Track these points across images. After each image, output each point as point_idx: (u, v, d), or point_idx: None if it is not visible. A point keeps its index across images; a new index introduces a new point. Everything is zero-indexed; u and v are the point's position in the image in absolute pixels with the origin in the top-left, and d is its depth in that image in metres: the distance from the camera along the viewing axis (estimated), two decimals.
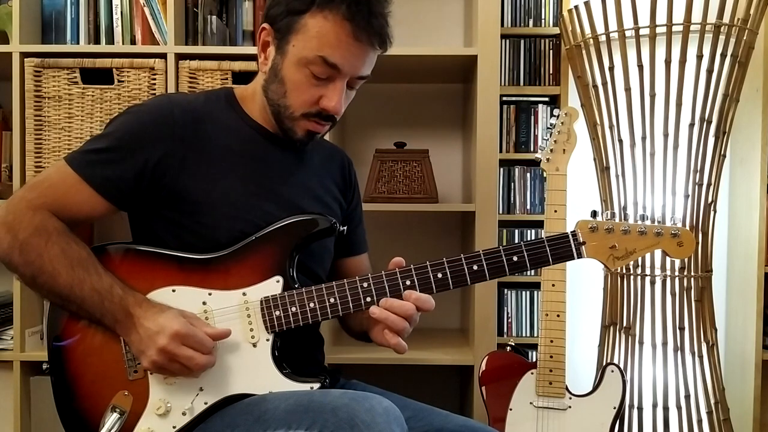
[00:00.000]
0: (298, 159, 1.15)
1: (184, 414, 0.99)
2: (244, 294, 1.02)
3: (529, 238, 1.98)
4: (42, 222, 0.99)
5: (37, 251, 0.97)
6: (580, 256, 1.03)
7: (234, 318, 1.01)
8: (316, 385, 1.01)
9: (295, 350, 1.07)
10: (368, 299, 1.02)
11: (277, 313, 1.01)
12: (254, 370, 1.01)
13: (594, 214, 1.05)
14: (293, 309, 1.02)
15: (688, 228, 1.66)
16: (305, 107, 1.05)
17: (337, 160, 1.27)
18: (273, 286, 1.03)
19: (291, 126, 1.07)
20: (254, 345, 1.01)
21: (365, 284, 1.02)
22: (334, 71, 1.02)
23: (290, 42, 1.03)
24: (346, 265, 1.28)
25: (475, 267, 1.02)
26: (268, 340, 1.02)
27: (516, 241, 1.98)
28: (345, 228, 1.18)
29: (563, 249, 1.03)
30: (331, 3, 1.00)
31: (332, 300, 1.02)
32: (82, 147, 1.05)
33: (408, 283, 1.01)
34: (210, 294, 1.02)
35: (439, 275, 1.02)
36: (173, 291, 1.01)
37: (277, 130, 1.11)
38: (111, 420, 0.97)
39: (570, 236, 1.03)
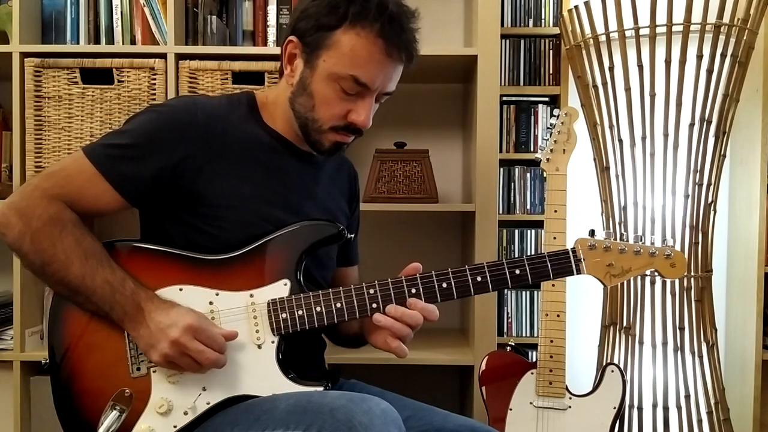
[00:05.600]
0: (313, 170, 1.16)
1: (185, 413, 0.99)
2: (251, 296, 1.02)
3: (529, 239, 1.99)
4: (57, 212, 0.98)
5: (50, 240, 0.97)
6: (579, 272, 1.06)
7: (240, 319, 1.02)
8: (320, 389, 1.01)
9: (297, 353, 1.07)
10: (374, 305, 1.02)
11: (284, 315, 1.02)
12: (258, 372, 1.01)
13: (592, 233, 1.08)
14: (300, 312, 1.02)
15: (688, 228, 1.66)
16: (334, 121, 1.06)
17: (345, 172, 1.29)
18: (280, 288, 1.03)
19: (318, 138, 1.08)
20: (259, 346, 1.02)
21: (371, 291, 1.03)
22: (364, 88, 1.04)
23: (320, 57, 1.03)
24: (337, 274, 1.29)
25: (479, 278, 1.04)
26: (273, 342, 1.02)
27: (516, 241, 1.98)
28: (353, 236, 1.18)
29: (563, 265, 1.05)
30: (364, 20, 1.00)
31: (338, 305, 1.02)
32: (101, 140, 1.05)
33: (413, 291, 1.03)
34: (217, 294, 1.02)
35: (444, 285, 1.03)
36: (180, 290, 1.02)
37: (296, 139, 1.12)
38: (110, 418, 0.96)
39: (570, 253, 1.06)
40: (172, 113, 1.05)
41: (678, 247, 1.65)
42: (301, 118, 1.08)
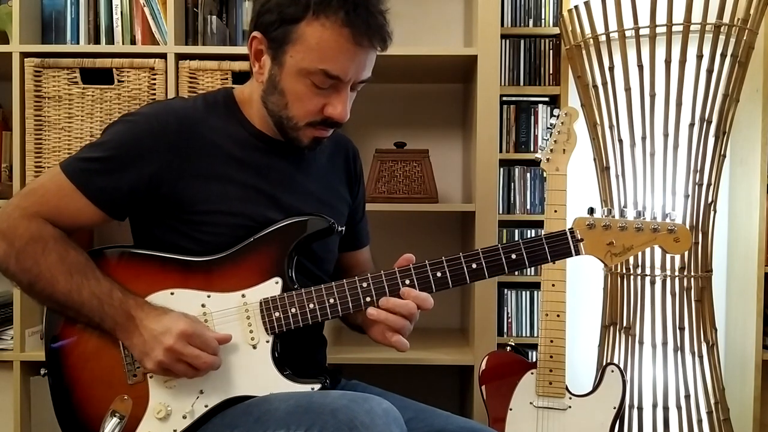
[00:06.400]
0: (300, 164, 1.13)
1: (184, 417, 0.99)
2: (243, 296, 1.02)
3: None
4: (38, 230, 0.98)
5: (33, 259, 0.96)
6: (578, 253, 1.02)
7: (233, 320, 1.01)
8: (317, 386, 1.00)
9: (296, 352, 1.07)
10: (368, 299, 1.02)
11: (277, 314, 1.01)
12: (254, 372, 1.01)
13: (591, 211, 1.05)
14: (293, 310, 1.01)
15: (688, 228, 1.66)
16: (309, 117, 1.02)
17: (342, 153, 1.24)
18: (272, 287, 1.02)
19: (296, 135, 1.05)
20: (254, 347, 1.01)
21: (364, 284, 1.02)
22: (337, 81, 1.00)
23: (287, 52, 0.99)
24: (349, 258, 1.28)
25: (474, 265, 1.02)
26: (267, 341, 1.01)
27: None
28: (343, 228, 1.17)
29: (561, 246, 1.02)
30: (327, 9, 0.95)
31: (332, 300, 1.02)
32: (77, 154, 1.03)
33: (407, 282, 1.01)
34: (209, 296, 1.02)
35: (438, 274, 1.01)
36: (171, 294, 1.01)
37: (278, 135, 1.09)
38: (110, 425, 0.97)
39: (568, 233, 1.03)
40: (144, 122, 1.03)
41: None
42: (275, 116, 1.04)
